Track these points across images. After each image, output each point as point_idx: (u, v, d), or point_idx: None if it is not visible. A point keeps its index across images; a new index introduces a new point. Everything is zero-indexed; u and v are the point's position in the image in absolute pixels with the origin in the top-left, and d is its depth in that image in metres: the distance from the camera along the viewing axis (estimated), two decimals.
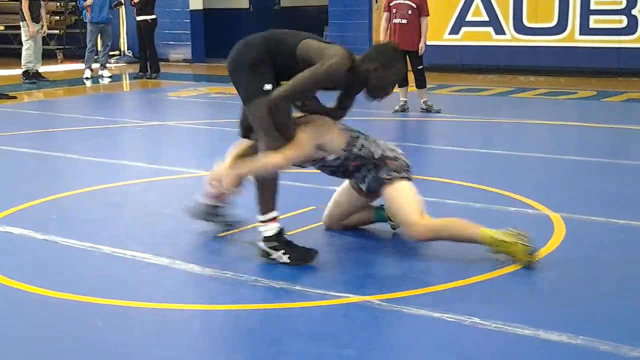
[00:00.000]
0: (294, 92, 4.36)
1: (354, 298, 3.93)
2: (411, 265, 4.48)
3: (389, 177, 4.60)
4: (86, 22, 14.98)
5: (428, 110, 10.12)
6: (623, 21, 13.32)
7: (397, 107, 10.21)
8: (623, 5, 13.28)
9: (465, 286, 4.10)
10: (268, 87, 4.34)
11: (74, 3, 14.81)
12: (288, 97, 4.36)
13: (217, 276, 4.28)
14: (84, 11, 14.84)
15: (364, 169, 4.66)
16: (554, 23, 13.85)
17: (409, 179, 4.66)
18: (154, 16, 14.76)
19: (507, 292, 4.05)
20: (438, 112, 10.07)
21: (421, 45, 9.97)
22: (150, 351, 3.44)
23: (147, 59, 14.97)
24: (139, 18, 14.71)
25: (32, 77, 14.15)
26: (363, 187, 4.73)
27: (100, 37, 14.95)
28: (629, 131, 8.82)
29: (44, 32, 14.59)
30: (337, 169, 4.70)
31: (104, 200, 6.01)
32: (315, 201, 5.51)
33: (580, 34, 13.68)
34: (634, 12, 13.21)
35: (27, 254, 4.75)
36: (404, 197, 4.55)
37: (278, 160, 4.36)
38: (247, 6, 18.70)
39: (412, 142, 8.67)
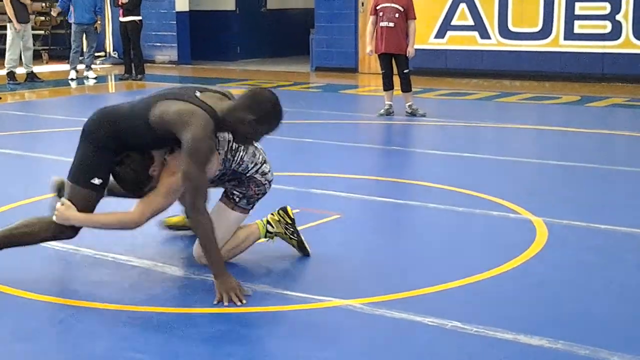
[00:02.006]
0: (198, 188, 3.96)
1: (336, 302, 3.94)
2: (393, 269, 4.49)
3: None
4: (71, 23, 14.93)
5: (413, 114, 10.14)
6: (607, 26, 13.39)
7: (382, 111, 10.23)
8: (607, 11, 13.35)
9: (447, 290, 4.11)
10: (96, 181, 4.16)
11: (70, 4, 14.73)
12: (200, 197, 3.98)
13: (200, 279, 4.28)
14: (69, 12, 14.79)
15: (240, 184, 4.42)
16: (538, 28, 13.91)
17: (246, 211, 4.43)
18: (140, 17, 14.74)
19: (488, 296, 4.06)
20: (423, 116, 10.09)
21: (410, 49, 9.98)
22: (131, 355, 3.43)
23: (132, 60, 14.94)
24: (126, 19, 14.66)
25: (27, 78, 14.13)
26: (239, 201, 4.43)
27: (85, 38, 14.90)
28: (613, 136, 8.88)
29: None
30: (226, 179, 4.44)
31: None
32: (298, 204, 5.52)
33: (565, 39, 13.74)
34: (618, 17, 13.28)
35: (7, 256, 4.72)
36: (222, 227, 4.25)
37: (134, 218, 4.17)
38: (234, 8, 18.68)
39: (397, 146, 8.69)
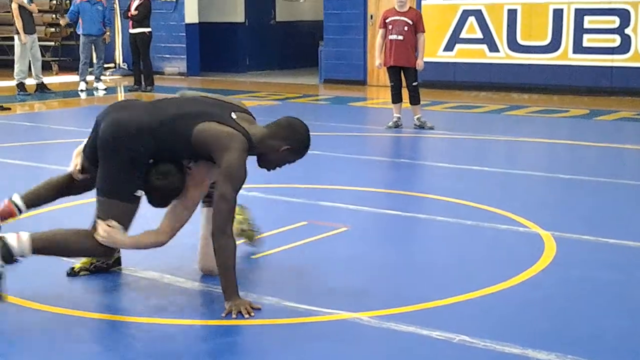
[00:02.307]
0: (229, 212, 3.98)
1: (344, 315, 3.93)
2: (400, 282, 4.48)
3: None
4: (79, 35, 15.00)
5: (421, 126, 10.14)
6: (616, 40, 13.39)
7: (390, 124, 10.23)
8: (616, 25, 13.35)
9: (455, 304, 4.10)
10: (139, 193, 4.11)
11: (78, 15, 14.82)
12: (230, 221, 3.99)
13: (207, 291, 4.28)
14: (77, 23, 14.86)
15: None
16: (547, 41, 13.91)
17: None
18: (149, 29, 14.80)
19: (497, 310, 4.05)
20: (431, 128, 10.09)
21: (419, 61, 10.00)
22: None
23: (142, 72, 15.00)
24: (135, 31, 14.73)
25: (37, 89, 14.20)
26: None
27: (94, 49, 14.95)
28: (621, 150, 8.85)
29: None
30: None
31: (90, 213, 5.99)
32: (306, 216, 5.52)
33: (574, 52, 13.74)
34: (627, 31, 13.28)
35: (15, 267, 4.73)
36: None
37: (166, 233, 4.16)
38: (243, 20, 18.73)
39: (405, 159, 8.69)
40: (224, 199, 3.91)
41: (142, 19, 14.64)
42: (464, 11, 14.51)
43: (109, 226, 4.05)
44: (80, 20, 14.71)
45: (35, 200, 4.48)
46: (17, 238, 4.03)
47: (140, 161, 4.08)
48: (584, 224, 5.60)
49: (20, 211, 4.43)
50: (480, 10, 14.37)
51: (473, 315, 3.97)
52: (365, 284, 4.45)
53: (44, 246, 4.10)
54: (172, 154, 4.11)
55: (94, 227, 4.10)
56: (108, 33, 15.00)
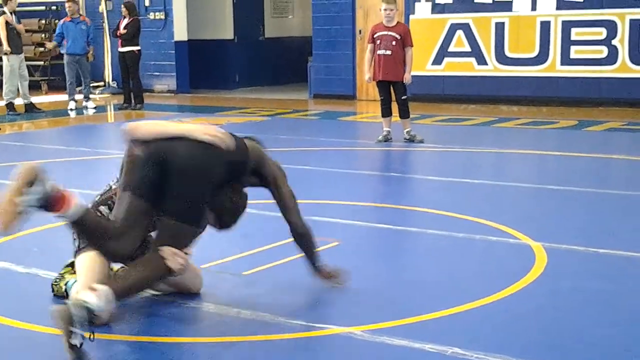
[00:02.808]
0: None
1: (337, 329, 3.93)
2: (392, 296, 4.49)
3: None
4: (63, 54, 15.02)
5: (411, 140, 10.18)
6: (603, 51, 13.47)
7: (380, 137, 10.26)
8: (603, 36, 13.45)
9: (447, 316, 4.11)
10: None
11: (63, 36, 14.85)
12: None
13: (200, 308, 4.27)
14: (61, 43, 14.87)
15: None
16: (535, 53, 13.99)
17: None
18: (139, 47, 14.83)
19: (489, 321, 4.06)
20: (421, 142, 10.13)
21: (407, 75, 10.06)
22: None
23: (132, 90, 15.01)
24: (125, 49, 14.75)
25: (26, 109, 14.20)
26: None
27: (79, 68, 14.93)
28: (610, 160, 8.90)
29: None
30: None
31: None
32: None
33: (562, 64, 13.82)
34: (614, 42, 13.37)
35: (8, 287, 4.73)
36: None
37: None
38: (232, 37, 18.78)
39: (395, 172, 8.72)
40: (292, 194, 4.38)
41: (131, 37, 14.68)
42: (452, 25, 14.59)
43: (186, 254, 4.00)
44: (64, 40, 14.74)
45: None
46: (96, 294, 3.65)
47: (216, 186, 4.08)
48: (574, 235, 5.63)
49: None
50: (468, 24, 14.45)
51: (465, 327, 3.98)
52: (357, 298, 4.45)
53: (124, 291, 3.85)
54: (235, 176, 4.18)
55: (155, 250, 3.97)
56: (92, 52, 15.00)
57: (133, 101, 15.01)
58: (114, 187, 4.33)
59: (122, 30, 14.74)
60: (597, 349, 3.69)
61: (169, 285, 4.35)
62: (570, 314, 4.16)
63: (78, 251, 4.26)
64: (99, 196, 4.40)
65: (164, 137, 4.04)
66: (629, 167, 8.61)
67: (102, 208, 4.24)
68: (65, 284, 4.39)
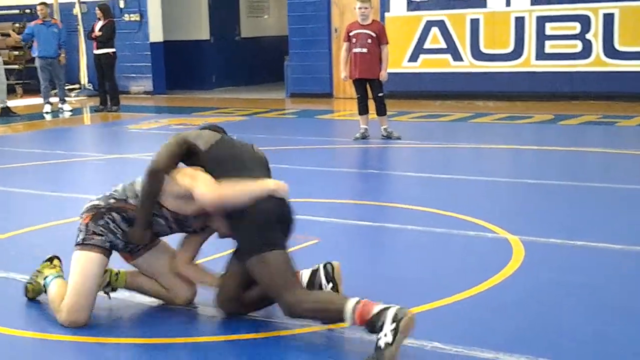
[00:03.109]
0: None
1: (316, 327, 3.93)
2: (371, 292, 4.49)
3: None
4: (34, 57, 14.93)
5: (388, 137, 10.20)
6: (578, 46, 13.57)
7: (357, 135, 10.28)
8: (577, 30, 13.55)
9: (426, 311, 4.13)
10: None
11: (33, 38, 14.76)
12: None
13: (179, 308, 4.27)
14: (32, 46, 14.79)
15: None
16: (510, 49, 14.08)
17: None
18: (114, 49, 14.77)
19: (468, 315, 4.08)
20: (398, 138, 10.16)
21: (383, 73, 10.07)
22: None
23: (107, 92, 14.94)
24: (100, 52, 14.69)
25: (2, 113, 14.09)
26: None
27: (52, 71, 14.83)
28: (585, 153, 8.97)
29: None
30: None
31: (63, 235, 5.96)
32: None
33: (537, 59, 13.92)
34: (588, 36, 13.47)
35: None
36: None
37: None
38: (208, 37, 18.74)
39: (373, 169, 8.73)
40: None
41: (106, 39, 14.61)
42: (427, 22, 14.64)
43: None
44: (35, 43, 14.64)
45: None
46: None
47: None
48: (551, 228, 5.67)
49: None
50: (443, 21, 14.51)
51: (445, 321, 4.00)
52: None
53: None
54: None
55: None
56: (63, 55, 14.91)
57: (109, 103, 14.95)
58: (130, 200, 4.10)
59: (97, 33, 14.68)
60: (575, 341, 3.71)
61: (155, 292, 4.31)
62: (548, 306, 4.19)
63: (81, 245, 4.09)
64: (103, 200, 4.15)
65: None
66: (605, 160, 8.69)
67: (115, 215, 4.07)
68: (45, 279, 4.36)
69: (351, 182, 8.07)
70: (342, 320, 3.59)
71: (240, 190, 3.85)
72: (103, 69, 14.76)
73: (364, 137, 10.27)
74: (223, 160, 4.00)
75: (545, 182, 7.32)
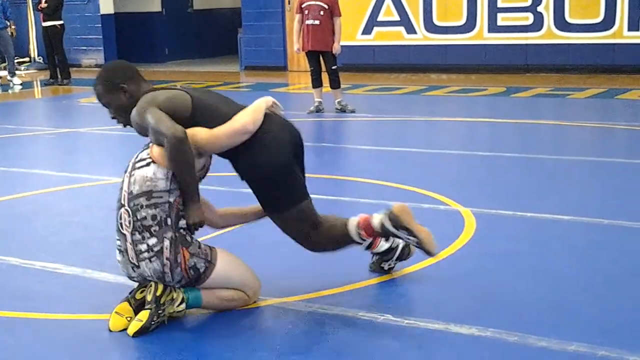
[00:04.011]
0: None
1: (270, 300, 3.94)
2: (324, 265, 4.51)
3: None
4: None
5: (342, 110, 10.20)
6: (529, 18, 13.67)
7: (312, 108, 10.26)
8: (529, 3, 13.63)
9: (378, 283, 4.15)
10: None
11: None
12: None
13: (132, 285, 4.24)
14: None
15: None
16: (463, 21, 14.12)
17: None
18: (61, 22, 14.51)
19: (419, 287, 4.11)
20: (352, 112, 10.16)
21: (336, 45, 10.04)
22: None
23: (57, 65, 14.70)
24: (47, 24, 14.43)
25: None
26: None
27: (0, 44, 14.55)
28: (537, 126, 9.06)
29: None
30: None
31: (12, 211, 5.88)
32: (230, 203, 5.49)
33: (489, 31, 13.99)
34: (539, 9, 13.56)
35: None
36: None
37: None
38: (160, 9, 18.51)
39: (328, 143, 8.73)
40: None
41: (52, 11, 14.35)
42: None
43: None
44: None
45: None
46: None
47: None
48: (502, 200, 5.73)
49: None
50: None
51: (397, 293, 4.03)
52: (290, 269, 4.46)
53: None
54: None
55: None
56: (13, 27, 14.61)
57: (59, 76, 14.72)
58: (174, 198, 3.70)
59: (42, 5, 14.41)
60: (525, 311, 3.76)
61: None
62: (499, 277, 4.24)
63: (210, 264, 3.75)
64: (170, 230, 3.66)
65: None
66: (556, 132, 8.79)
67: (182, 223, 3.72)
68: (182, 301, 3.72)
69: (306, 155, 8.01)
70: (359, 243, 4.02)
71: (237, 121, 3.82)
72: (51, 42, 14.51)
73: (318, 110, 10.25)
74: (208, 108, 3.86)
75: (497, 155, 7.38)
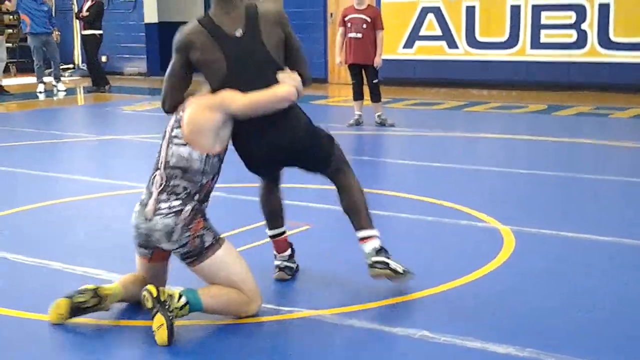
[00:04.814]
0: None
1: (306, 312, 3.96)
2: (362, 280, 4.52)
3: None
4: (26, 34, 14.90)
5: (382, 124, 10.21)
6: (573, 35, 13.57)
7: (351, 121, 10.28)
8: (573, 20, 13.54)
9: (416, 299, 4.15)
10: None
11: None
12: None
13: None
14: (23, 22, 14.76)
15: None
16: (505, 37, 14.07)
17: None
18: (101, 31, 14.72)
19: (456, 305, 4.10)
20: (392, 125, 10.16)
21: (377, 59, 10.06)
22: None
23: (90, 73, 14.92)
24: (86, 32, 14.65)
25: None
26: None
27: (46, 50, 14.79)
28: (579, 145, 8.99)
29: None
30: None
31: (56, 215, 5.97)
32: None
33: (532, 47, 13.91)
34: (583, 26, 13.47)
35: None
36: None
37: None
38: None
39: (367, 156, 8.74)
40: None
41: (93, 20, 14.55)
42: (423, 8, 14.62)
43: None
44: (27, 20, 14.61)
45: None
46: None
47: None
48: (542, 218, 5.69)
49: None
50: (439, 7, 14.49)
51: (434, 310, 4.02)
52: (327, 281, 4.48)
53: None
54: None
55: None
56: (57, 32, 14.86)
57: (107, 84, 14.92)
58: (207, 180, 3.86)
59: (84, 13, 14.62)
60: (563, 332, 3.74)
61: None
62: (537, 296, 4.21)
63: (217, 244, 3.83)
64: (188, 201, 3.80)
65: None
66: (597, 152, 8.71)
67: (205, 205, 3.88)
68: (181, 301, 3.68)
69: None
70: None
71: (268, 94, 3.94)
72: (88, 49, 14.73)
73: (358, 123, 10.27)
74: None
75: (537, 173, 7.33)
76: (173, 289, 3.75)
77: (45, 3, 14.75)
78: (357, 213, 4.27)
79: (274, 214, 4.51)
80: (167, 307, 3.61)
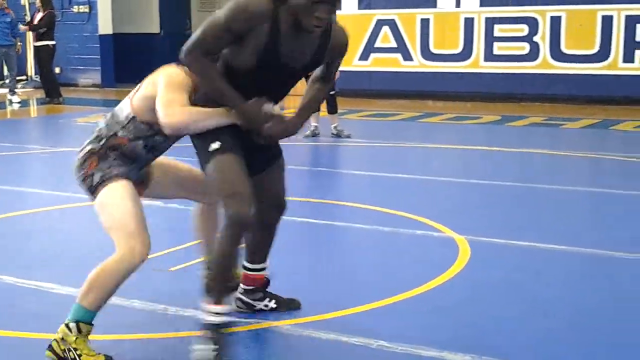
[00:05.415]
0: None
1: (264, 324, 3.95)
2: (319, 290, 4.52)
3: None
4: None
5: (338, 135, 10.24)
6: (525, 48, 13.77)
7: (307, 132, 10.30)
8: (525, 33, 13.74)
9: (373, 309, 4.16)
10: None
11: None
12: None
13: (123, 304, 4.24)
14: None
15: None
16: (459, 49, 14.22)
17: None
18: (54, 42, 14.56)
19: (414, 314, 4.12)
20: (348, 137, 10.20)
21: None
22: None
23: (43, 85, 14.74)
24: (40, 43, 14.48)
25: None
26: None
27: (5, 61, 14.61)
28: (531, 155, 9.11)
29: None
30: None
31: (8, 230, 5.88)
32: None
33: (485, 60, 14.08)
34: (535, 39, 13.67)
35: None
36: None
37: None
38: (158, 30, 18.58)
39: (323, 167, 8.77)
40: None
41: (45, 31, 14.39)
42: (378, 21, 14.72)
43: None
44: None
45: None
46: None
47: None
48: (497, 228, 5.75)
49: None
50: (394, 20, 14.60)
51: (391, 320, 4.04)
52: (283, 293, 4.46)
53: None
54: None
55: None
56: (19, 44, 14.68)
57: (48, 96, 14.75)
58: (120, 133, 3.84)
59: (35, 22, 14.47)
60: (520, 340, 3.78)
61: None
62: (493, 305, 4.25)
63: (101, 183, 3.72)
64: (93, 144, 3.82)
65: None
66: (550, 162, 8.83)
67: (113, 154, 3.79)
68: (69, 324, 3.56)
69: (300, 179, 8.06)
70: None
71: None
72: (42, 61, 14.57)
73: (314, 134, 10.29)
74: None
75: (492, 183, 7.41)
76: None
77: (8, 14, 14.55)
78: None
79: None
80: (71, 351, 3.50)
